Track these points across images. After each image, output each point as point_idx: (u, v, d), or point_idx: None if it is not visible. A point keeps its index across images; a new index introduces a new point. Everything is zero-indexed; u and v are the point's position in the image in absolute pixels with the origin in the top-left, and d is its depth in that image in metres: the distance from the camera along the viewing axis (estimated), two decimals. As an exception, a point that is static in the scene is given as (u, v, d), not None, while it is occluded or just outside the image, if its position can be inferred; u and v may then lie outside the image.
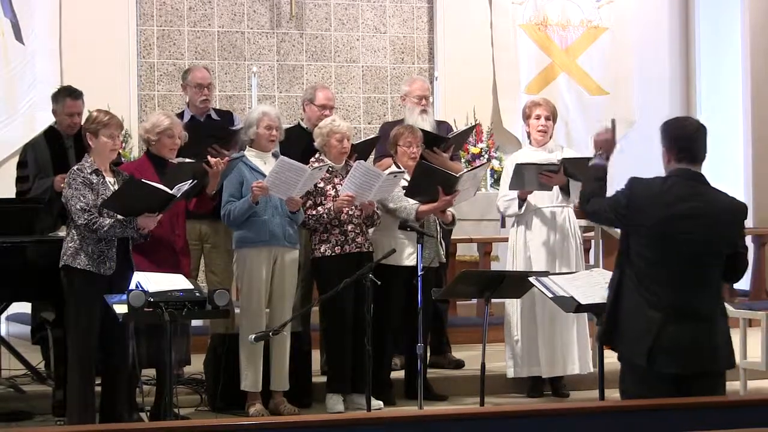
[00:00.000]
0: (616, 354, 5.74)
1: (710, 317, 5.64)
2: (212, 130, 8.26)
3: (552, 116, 8.71)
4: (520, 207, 8.54)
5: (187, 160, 7.82)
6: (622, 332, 5.63)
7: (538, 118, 8.67)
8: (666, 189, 5.62)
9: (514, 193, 8.54)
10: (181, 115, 8.85)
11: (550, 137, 8.76)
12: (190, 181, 7.37)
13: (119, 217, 7.17)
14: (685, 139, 5.67)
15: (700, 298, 5.63)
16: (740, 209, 5.77)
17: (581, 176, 7.83)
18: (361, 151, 8.95)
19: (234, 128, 8.15)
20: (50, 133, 8.92)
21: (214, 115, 9.09)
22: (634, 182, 5.73)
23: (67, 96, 8.75)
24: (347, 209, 8.15)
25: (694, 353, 5.59)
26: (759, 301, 11.14)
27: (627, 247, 5.68)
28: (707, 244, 5.62)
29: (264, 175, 7.95)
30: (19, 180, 8.90)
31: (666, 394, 5.48)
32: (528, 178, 8.39)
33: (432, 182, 8.24)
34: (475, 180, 8.58)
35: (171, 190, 7.21)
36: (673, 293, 5.57)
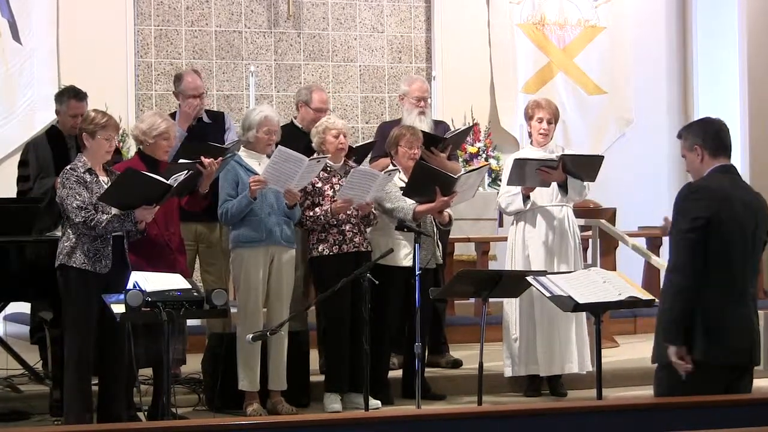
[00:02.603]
0: (711, 364, 5.52)
1: (757, 307, 5.78)
2: (205, 148, 8.13)
3: (554, 119, 8.70)
4: (524, 203, 8.53)
5: (181, 161, 7.82)
6: (721, 341, 5.53)
7: (540, 121, 8.65)
8: (727, 183, 5.64)
9: (517, 189, 8.53)
10: (173, 116, 8.85)
11: (551, 138, 8.75)
12: (186, 171, 7.37)
13: (116, 211, 7.17)
14: (717, 133, 5.73)
15: (757, 289, 5.80)
16: (765, 205, 5.85)
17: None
18: (358, 154, 8.96)
19: (228, 153, 8.04)
20: (52, 132, 8.91)
21: (206, 118, 9.05)
22: (693, 186, 5.67)
23: (72, 97, 8.71)
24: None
25: (760, 343, 5.72)
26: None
27: (697, 256, 5.52)
28: (762, 235, 5.74)
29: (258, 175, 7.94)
30: (20, 179, 8.89)
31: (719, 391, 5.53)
32: (526, 173, 8.38)
33: (430, 183, 8.24)
34: (473, 182, 8.56)
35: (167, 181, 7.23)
36: (750, 287, 5.68)
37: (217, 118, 9.21)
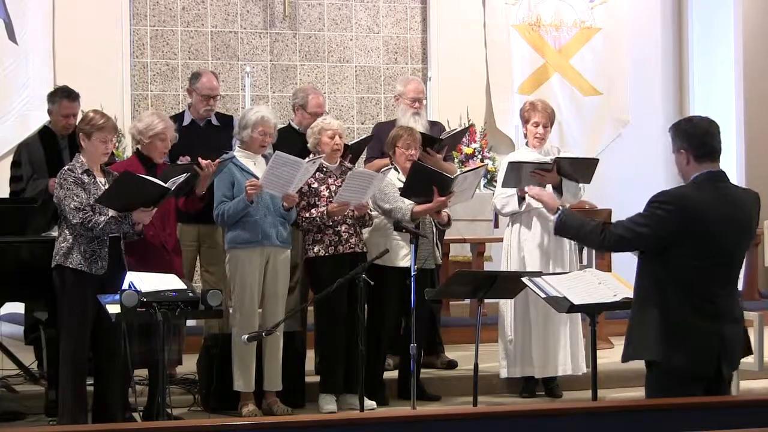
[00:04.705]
0: (672, 368, 5.51)
1: (741, 316, 5.68)
2: (209, 149, 8.15)
3: (549, 122, 8.68)
4: (519, 204, 8.53)
5: (179, 161, 7.82)
6: (679, 347, 5.48)
7: (536, 125, 8.63)
8: (708, 192, 5.50)
9: (512, 191, 8.53)
10: (180, 116, 8.86)
11: (546, 141, 8.75)
12: (185, 174, 7.38)
13: (113, 213, 7.17)
14: (701, 136, 5.55)
15: (736, 298, 5.67)
16: (757, 200, 5.72)
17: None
18: (355, 151, 8.96)
19: (226, 156, 8.08)
20: (44, 133, 8.91)
21: (214, 121, 9.05)
22: (667, 195, 5.56)
23: (64, 97, 8.73)
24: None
25: (738, 354, 5.64)
26: (751, 302, 11.15)
27: (664, 265, 5.51)
28: (745, 243, 5.65)
29: (254, 176, 7.95)
30: (13, 180, 8.89)
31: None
32: (521, 176, 8.37)
33: (427, 183, 8.24)
34: (471, 182, 8.55)
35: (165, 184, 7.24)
36: (724, 298, 5.55)
37: (227, 121, 9.19)
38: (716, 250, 5.49)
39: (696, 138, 5.55)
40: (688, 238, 5.45)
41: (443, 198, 8.28)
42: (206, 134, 8.88)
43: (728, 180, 5.63)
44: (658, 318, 5.52)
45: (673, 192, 5.60)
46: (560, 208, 5.96)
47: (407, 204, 8.31)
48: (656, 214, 5.51)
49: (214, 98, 9.03)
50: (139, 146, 7.81)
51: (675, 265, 5.49)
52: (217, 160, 7.83)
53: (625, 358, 5.73)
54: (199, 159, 7.74)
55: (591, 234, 5.79)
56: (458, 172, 8.67)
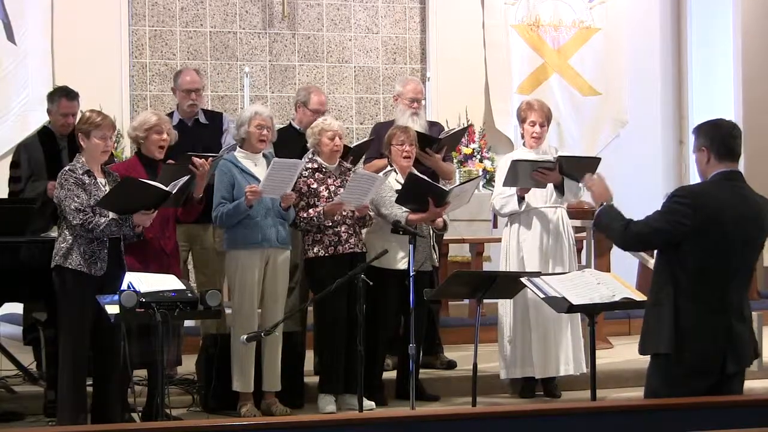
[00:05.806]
0: (678, 362, 5.60)
1: (750, 315, 5.79)
2: (198, 147, 8.17)
3: (546, 121, 8.67)
4: (519, 204, 8.52)
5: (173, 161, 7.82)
6: (687, 341, 5.58)
7: (533, 124, 8.62)
8: (725, 191, 5.65)
9: (512, 191, 8.51)
10: (170, 117, 8.84)
11: (543, 141, 8.73)
12: (185, 177, 7.38)
13: (114, 215, 7.17)
14: (724, 137, 5.74)
15: (746, 296, 5.78)
16: None
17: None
18: (356, 153, 8.96)
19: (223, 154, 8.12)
20: (44, 133, 8.91)
21: (202, 119, 9.04)
22: (685, 190, 5.76)
23: (63, 96, 8.73)
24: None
25: (746, 351, 5.73)
26: (751, 302, 11.10)
27: (678, 260, 5.62)
28: (757, 243, 5.75)
29: (254, 177, 7.95)
30: (12, 180, 8.88)
31: (702, 393, 5.54)
32: (522, 175, 8.35)
33: (422, 194, 8.23)
34: (467, 190, 8.53)
35: (166, 187, 7.24)
36: (733, 295, 5.65)
37: (215, 118, 9.19)
38: (728, 247, 5.60)
39: (718, 137, 5.74)
40: (701, 234, 5.57)
41: (438, 209, 8.27)
42: (195, 133, 8.86)
43: (744, 181, 5.79)
44: (669, 312, 5.61)
45: (690, 188, 5.85)
46: (604, 203, 5.99)
47: (402, 211, 8.30)
48: (672, 208, 5.63)
49: (196, 92, 9.00)
50: (139, 148, 7.81)
51: (688, 260, 5.60)
52: (210, 159, 7.83)
53: (641, 351, 5.83)
54: (193, 158, 7.74)
55: (616, 231, 5.87)
56: (455, 184, 8.63)
